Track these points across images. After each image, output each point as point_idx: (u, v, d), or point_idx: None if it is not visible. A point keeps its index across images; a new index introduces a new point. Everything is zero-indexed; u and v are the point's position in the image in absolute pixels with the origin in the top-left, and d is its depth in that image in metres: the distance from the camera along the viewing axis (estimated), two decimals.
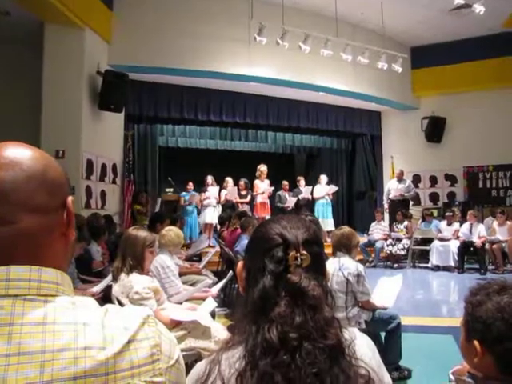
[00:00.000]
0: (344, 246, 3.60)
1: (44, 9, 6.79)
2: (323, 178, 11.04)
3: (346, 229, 3.71)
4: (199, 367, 0.96)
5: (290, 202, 10.21)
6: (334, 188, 10.94)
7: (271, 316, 0.89)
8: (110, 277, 4.01)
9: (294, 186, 11.01)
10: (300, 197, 10.40)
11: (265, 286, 0.93)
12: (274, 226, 1.01)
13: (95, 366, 0.70)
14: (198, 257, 7.16)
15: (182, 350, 2.98)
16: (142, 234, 3.19)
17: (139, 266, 3.09)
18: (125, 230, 3.33)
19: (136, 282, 3.01)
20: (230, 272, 4.57)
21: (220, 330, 3.16)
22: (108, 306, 0.81)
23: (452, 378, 1.72)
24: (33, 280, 0.74)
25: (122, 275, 3.07)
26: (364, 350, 0.98)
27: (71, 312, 0.74)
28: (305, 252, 0.95)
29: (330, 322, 0.91)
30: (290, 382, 0.84)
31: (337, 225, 11.72)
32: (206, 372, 0.92)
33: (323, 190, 10.83)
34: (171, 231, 4.51)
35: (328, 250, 4.11)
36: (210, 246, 8.40)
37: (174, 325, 3.07)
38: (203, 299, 3.75)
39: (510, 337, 1.18)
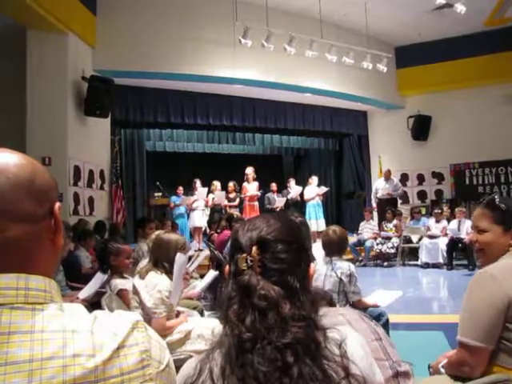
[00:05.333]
0: (336, 249, 3.58)
1: (26, 14, 6.73)
2: (314, 180, 11.08)
3: (336, 231, 3.60)
4: (190, 365, 0.97)
5: (279, 202, 10.22)
6: (324, 189, 10.99)
7: (227, 317, 0.93)
8: (96, 281, 3.97)
9: (283, 188, 11.03)
10: (289, 197, 10.42)
11: (228, 290, 0.97)
12: (240, 228, 1.04)
13: (85, 374, 0.69)
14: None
15: (177, 353, 2.98)
16: (174, 237, 3.22)
17: (172, 268, 3.11)
18: (156, 235, 3.36)
19: (163, 282, 3.02)
20: (211, 271, 4.55)
21: (216, 328, 3.16)
22: (97, 312, 0.81)
23: (442, 370, 1.76)
24: (20, 288, 0.73)
25: (152, 273, 3.07)
26: (356, 348, 0.97)
27: (59, 319, 0.74)
28: (255, 254, 0.97)
29: (291, 320, 0.91)
30: (258, 381, 0.86)
31: (327, 225, 11.78)
32: (197, 371, 0.93)
33: (314, 191, 10.86)
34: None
35: None
36: (199, 250, 8.38)
37: (172, 330, 3.07)
38: (189, 298, 3.79)
39: None
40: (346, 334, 0.98)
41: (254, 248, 0.97)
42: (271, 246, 0.98)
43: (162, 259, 3.11)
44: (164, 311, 2.96)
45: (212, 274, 3.99)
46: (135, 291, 3.06)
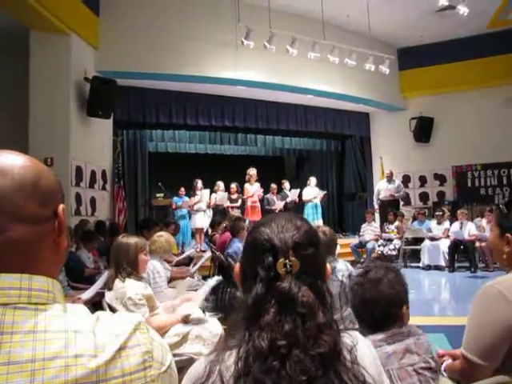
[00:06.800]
0: (327, 250, 3.51)
1: (29, 15, 6.76)
2: (313, 180, 11.07)
3: (325, 232, 3.42)
4: (199, 366, 0.94)
5: (278, 205, 10.20)
6: (322, 192, 10.98)
7: (261, 323, 0.88)
8: (99, 283, 3.99)
9: (280, 190, 11.00)
10: (288, 200, 10.40)
11: (257, 293, 0.91)
12: (264, 229, 0.98)
13: (86, 374, 0.69)
14: (187, 263, 7.10)
15: (175, 355, 2.97)
16: (133, 239, 3.21)
17: (134, 271, 3.12)
18: (115, 238, 3.33)
19: (130, 287, 3.01)
20: (215, 277, 4.56)
21: (214, 329, 3.16)
22: (99, 313, 0.81)
23: (444, 374, 1.75)
24: (23, 288, 0.73)
25: (117, 281, 3.07)
26: (365, 354, 0.96)
27: (62, 320, 0.74)
28: (293, 258, 0.92)
29: (324, 328, 0.89)
30: None
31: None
32: (206, 372, 0.90)
33: (313, 192, 10.85)
34: (162, 237, 4.51)
35: None
36: (201, 251, 8.38)
37: (166, 330, 3.07)
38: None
39: None
40: (357, 338, 0.97)
41: (291, 252, 0.93)
42: (305, 249, 0.95)
43: (123, 263, 3.10)
44: (143, 314, 2.95)
45: (215, 279, 3.98)
46: (111, 309, 3.04)
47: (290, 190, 10.78)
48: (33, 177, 0.79)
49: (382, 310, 1.66)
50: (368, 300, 1.69)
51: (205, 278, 6.27)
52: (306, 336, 0.87)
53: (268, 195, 10.52)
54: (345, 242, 9.90)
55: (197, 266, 5.95)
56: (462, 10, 8.38)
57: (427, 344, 1.67)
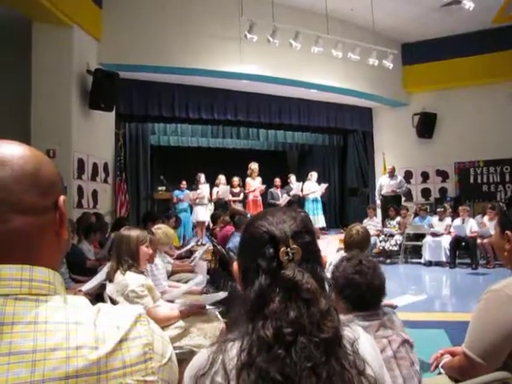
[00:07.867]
0: (359, 247, 3.52)
1: (31, 7, 6.74)
2: (314, 175, 11.07)
3: (359, 231, 3.53)
4: (202, 357, 0.95)
5: (283, 199, 10.21)
6: (323, 186, 10.97)
7: (266, 313, 0.90)
8: (101, 275, 4.00)
9: (285, 183, 11.02)
10: (291, 194, 10.41)
11: (261, 285, 0.93)
12: (261, 223, 1.00)
13: (87, 366, 0.70)
14: (189, 256, 7.12)
15: (175, 348, 2.98)
16: (134, 232, 3.22)
17: (136, 263, 3.13)
18: (116, 231, 3.34)
19: (131, 280, 3.02)
20: (200, 262, 4.48)
21: (216, 322, 3.17)
22: (100, 304, 0.81)
23: (442, 371, 1.76)
24: (24, 279, 0.73)
25: (118, 274, 3.08)
26: (367, 348, 0.97)
27: (63, 311, 0.74)
28: (295, 246, 0.94)
29: (327, 314, 0.91)
30: (286, 377, 0.85)
31: (328, 222, 11.78)
32: (209, 362, 0.91)
33: (313, 186, 10.84)
34: (159, 230, 4.51)
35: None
36: (202, 245, 8.40)
37: (168, 323, 3.07)
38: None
39: None
40: (359, 333, 0.99)
41: (291, 240, 0.95)
42: (303, 237, 0.98)
43: (124, 255, 3.12)
44: (145, 306, 2.96)
45: (202, 266, 3.88)
46: (112, 301, 3.06)
47: (295, 183, 10.81)
48: (33, 167, 0.78)
49: (377, 294, 1.77)
50: (373, 285, 1.76)
51: (207, 270, 6.27)
52: (310, 322, 0.89)
53: (272, 189, 10.53)
54: None
55: (196, 259, 5.96)
56: (468, 4, 8.30)
57: (399, 322, 1.80)
